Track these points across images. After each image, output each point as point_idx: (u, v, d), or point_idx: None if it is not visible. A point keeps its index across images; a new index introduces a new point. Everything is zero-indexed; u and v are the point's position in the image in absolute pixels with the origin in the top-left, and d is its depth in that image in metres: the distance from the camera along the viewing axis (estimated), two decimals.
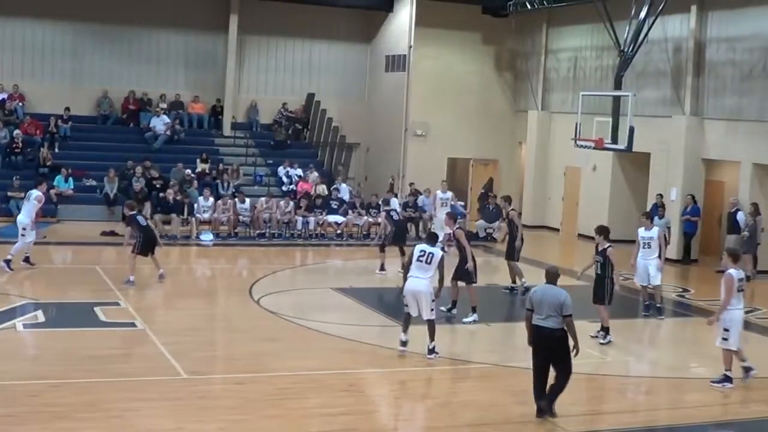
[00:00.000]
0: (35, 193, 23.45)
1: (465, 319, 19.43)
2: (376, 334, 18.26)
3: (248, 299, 20.97)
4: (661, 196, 28.88)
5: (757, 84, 27.45)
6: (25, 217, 23.02)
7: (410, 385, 15.49)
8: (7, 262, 22.55)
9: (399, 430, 13.45)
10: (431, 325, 16.31)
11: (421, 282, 16.20)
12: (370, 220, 31.08)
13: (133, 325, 17.99)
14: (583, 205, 34.17)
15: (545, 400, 13.37)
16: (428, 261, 16.19)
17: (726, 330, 15.54)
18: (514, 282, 23.21)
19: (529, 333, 13.46)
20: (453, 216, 21.10)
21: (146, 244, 22.11)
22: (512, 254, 23.01)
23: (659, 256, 21.03)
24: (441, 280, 16.49)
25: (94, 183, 32.30)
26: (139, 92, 36.29)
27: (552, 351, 13.30)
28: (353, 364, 16.15)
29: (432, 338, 16.34)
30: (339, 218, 30.78)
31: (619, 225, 32.22)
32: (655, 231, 21.05)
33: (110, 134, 35.44)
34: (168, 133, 35.12)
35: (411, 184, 33.47)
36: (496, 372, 16.17)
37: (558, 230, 35.36)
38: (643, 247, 20.88)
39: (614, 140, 28.13)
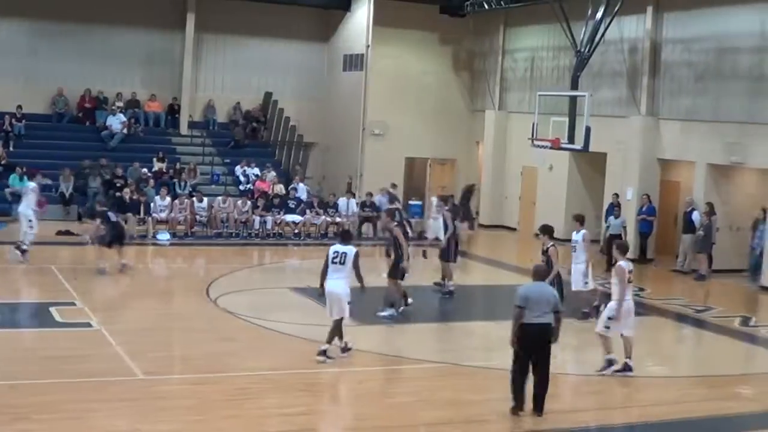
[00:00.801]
0: (31, 185, 24.87)
1: (379, 313, 19.47)
2: None
3: (205, 299, 20.87)
4: (617, 195, 29.08)
5: (711, 85, 27.70)
6: (26, 208, 24.11)
7: (369, 384, 15.49)
8: (23, 251, 23.78)
9: (358, 429, 13.45)
10: (338, 324, 16.03)
11: (338, 283, 15.96)
12: (328, 219, 31.07)
13: (89, 325, 17.84)
14: (540, 204, 34.31)
15: (524, 398, 13.54)
16: (342, 261, 15.94)
17: (610, 318, 15.92)
18: (443, 279, 22.67)
19: (515, 330, 13.50)
20: (391, 213, 21.11)
21: (114, 239, 23.18)
22: (444, 254, 22.47)
23: (585, 261, 20.69)
24: (359, 277, 16.12)
25: (49, 182, 31.98)
26: (95, 90, 36.03)
27: (542, 347, 13.52)
28: (311, 364, 16.08)
29: (340, 337, 16.17)
30: (297, 218, 30.71)
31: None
32: (580, 235, 20.77)
33: (66, 133, 35.15)
34: (124, 131, 34.91)
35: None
36: (454, 371, 16.19)
37: (515, 229, 35.50)
38: (572, 251, 20.83)
39: (571, 140, 28.28)
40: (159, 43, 37.22)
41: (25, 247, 23.81)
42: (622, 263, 16.12)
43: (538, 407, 13.58)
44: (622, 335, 16.09)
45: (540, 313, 13.42)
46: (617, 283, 16.03)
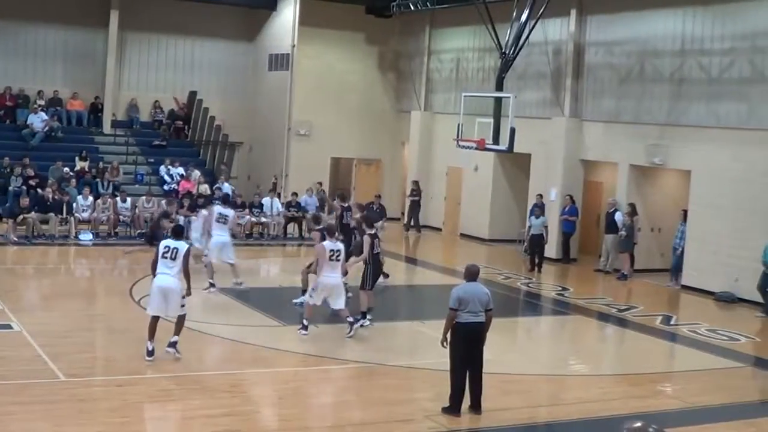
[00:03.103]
0: None
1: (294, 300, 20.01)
2: (258, 334, 18.17)
3: (129, 300, 20.61)
4: (540, 196, 29.36)
5: (633, 87, 28.06)
6: None
7: (293, 385, 15.44)
8: None
9: (283, 430, 13.38)
10: (181, 320, 15.79)
11: (169, 278, 15.56)
12: (253, 219, 30.91)
13: (9, 327, 17.51)
14: (465, 204, 34.51)
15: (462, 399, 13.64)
16: (173, 256, 15.59)
17: (313, 290, 17.84)
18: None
19: (447, 332, 13.57)
20: (315, 218, 21.42)
21: None
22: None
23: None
24: (187, 276, 15.73)
25: None
26: (16, 88, 35.45)
27: (477, 345, 13.65)
28: (236, 365, 16.03)
29: (177, 333, 15.76)
30: None
31: (501, 224, 32.87)
32: (230, 211, 22.68)
33: None
34: (46, 130, 34.39)
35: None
36: (380, 371, 16.20)
37: (440, 230, 35.64)
38: (217, 221, 22.11)
39: (495, 141, 28.39)
40: (82, 41, 36.75)
41: None
42: (325, 243, 17.67)
43: (477, 406, 13.69)
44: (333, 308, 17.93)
45: (474, 312, 13.52)
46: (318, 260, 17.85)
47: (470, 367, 13.64)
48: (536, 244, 27.85)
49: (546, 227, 28.04)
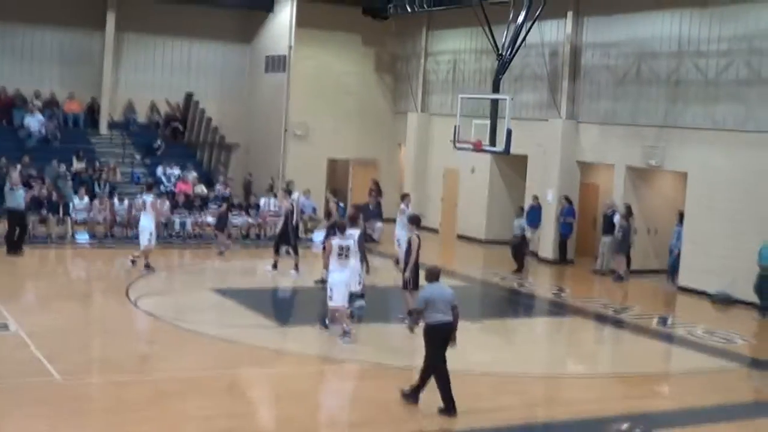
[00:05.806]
0: None
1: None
2: (254, 334, 18.17)
3: (125, 300, 20.62)
4: (536, 197, 29.37)
5: (630, 89, 28.08)
6: None
7: (290, 385, 15.43)
8: None
9: (282, 430, 13.39)
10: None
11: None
12: (250, 220, 30.91)
13: (5, 327, 17.52)
14: (462, 206, 34.52)
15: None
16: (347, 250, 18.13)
17: (331, 290, 17.74)
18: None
19: (415, 323, 13.82)
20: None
21: None
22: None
23: None
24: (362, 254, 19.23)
25: None
26: (12, 89, 35.41)
27: (446, 345, 13.82)
28: (232, 365, 16.03)
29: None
30: None
31: (497, 225, 32.82)
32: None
33: None
34: (43, 131, 34.34)
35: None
36: (379, 371, 16.21)
37: (437, 231, 35.63)
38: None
39: (492, 142, 28.35)
40: (78, 42, 36.69)
41: None
42: (333, 240, 18.07)
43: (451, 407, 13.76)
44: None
45: (443, 311, 13.78)
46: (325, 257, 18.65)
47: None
48: (516, 244, 27.97)
49: (523, 228, 28.18)
